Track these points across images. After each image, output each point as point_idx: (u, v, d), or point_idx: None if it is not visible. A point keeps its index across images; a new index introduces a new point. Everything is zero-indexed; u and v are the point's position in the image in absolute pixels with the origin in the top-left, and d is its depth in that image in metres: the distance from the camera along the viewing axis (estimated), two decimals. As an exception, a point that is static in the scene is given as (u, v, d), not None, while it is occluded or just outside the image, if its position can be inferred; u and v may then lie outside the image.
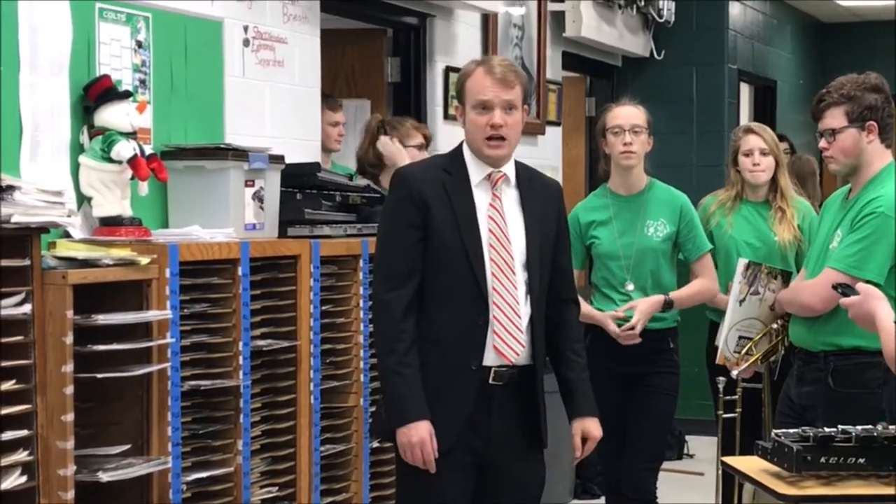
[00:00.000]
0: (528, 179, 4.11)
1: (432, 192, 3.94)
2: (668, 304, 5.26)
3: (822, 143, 4.58)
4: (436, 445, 3.88)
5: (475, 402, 3.95)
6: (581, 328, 4.34)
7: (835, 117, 4.54)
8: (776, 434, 3.73)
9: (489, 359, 3.94)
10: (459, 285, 3.92)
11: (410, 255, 3.92)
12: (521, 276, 3.98)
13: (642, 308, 5.20)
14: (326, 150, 6.04)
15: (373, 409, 4.87)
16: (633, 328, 5.18)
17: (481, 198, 3.99)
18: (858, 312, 3.67)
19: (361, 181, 5.39)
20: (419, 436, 3.86)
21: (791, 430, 3.74)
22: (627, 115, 5.31)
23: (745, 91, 11.11)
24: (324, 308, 4.79)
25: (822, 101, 4.57)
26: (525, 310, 3.98)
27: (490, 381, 3.95)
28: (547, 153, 8.24)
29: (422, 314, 3.94)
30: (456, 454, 3.95)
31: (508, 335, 3.93)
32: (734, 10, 10.08)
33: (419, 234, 3.92)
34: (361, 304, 4.96)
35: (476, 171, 4.01)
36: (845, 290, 3.74)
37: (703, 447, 7.84)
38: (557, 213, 4.16)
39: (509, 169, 4.05)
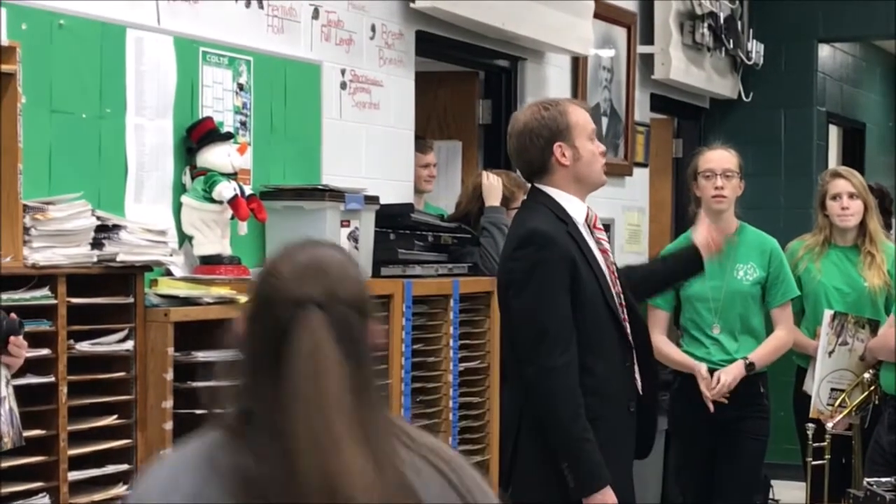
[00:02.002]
0: None
1: (572, 247, 3.89)
2: (749, 367, 5.22)
3: None
4: None
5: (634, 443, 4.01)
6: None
7: None
8: (868, 483, 3.73)
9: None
10: (608, 334, 3.92)
11: (569, 316, 3.84)
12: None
13: (725, 380, 5.17)
14: (418, 191, 6.10)
15: (463, 447, 4.89)
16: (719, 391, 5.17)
17: (590, 240, 3.98)
18: None
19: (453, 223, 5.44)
20: (614, 500, 3.81)
21: (883, 479, 3.73)
22: (720, 158, 5.32)
23: (833, 133, 11.05)
24: (414, 347, 4.85)
25: None
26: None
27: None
28: (634, 194, 8.26)
29: (582, 370, 3.86)
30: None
31: (639, 369, 4.00)
32: (823, 52, 10.04)
33: (570, 297, 3.86)
34: (451, 343, 5.01)
35: (577, 214, 3.97)
36: None
37: (788, 492, 7.77)
38: None
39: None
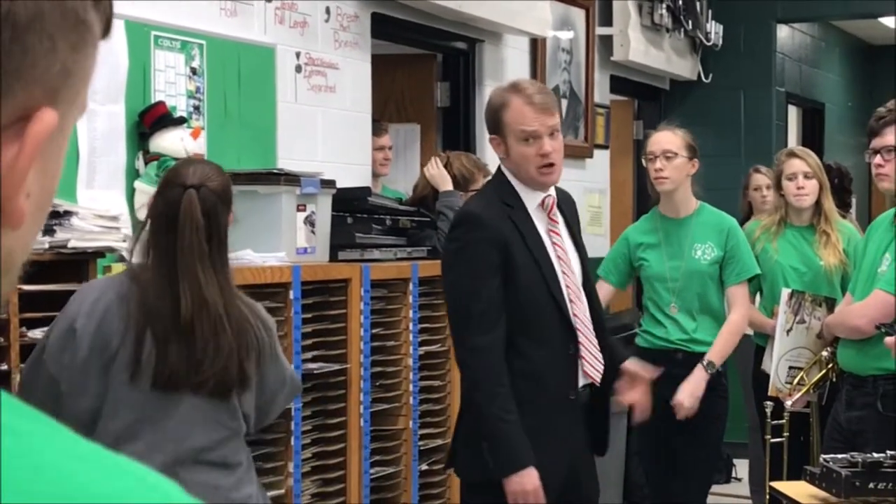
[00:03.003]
0: (560, 196, 4.11)
1: (507, 230, 3.90)
2: (710, 366, 5.22)
3: (878, 160, 4.56)
4: (541, 494, 3.84)
5: (574, 430, 3.98)
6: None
7: (895, 135, 4.53)
8: (825, 459, 3.73)
9: (580, 381, 3.98)
10: (547, 318, 3.92)
11: (497, 297, 3.86)
12: (583, 296, 4.03)
13: (689, 390, 5.15)
14: (374, 175, 6.08)
15: (423, 430, 4.89)
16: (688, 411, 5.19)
17: (541, 226, 3.99)
18: None
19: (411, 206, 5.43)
20: (533, 483, 3.81)
21: (840, 456, 3.73)
22: (660, 140, 5.32)
23: (793, 114, 11.09)
24: (374, 331, 4.83)
25: (882, 118, 4.56)
26: (594, 328, 4.03)
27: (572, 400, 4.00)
28: (595, 176, 8.27)
29: (512, 353, 3.90)
30: (548, 483, 3.95)
31: (592, 356, 3.97)
32: (782, 33, 10.06)
33: (499, 276, 3.87)
34: (411, 327, 4.99)
35: (530, 199, 3.99)
36: (888, 329, 3.74)
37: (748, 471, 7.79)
38: (578, 221, 4.22)
39: (553, 191, 4.07)
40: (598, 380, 3.99)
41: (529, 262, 3.90)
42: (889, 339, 3.74)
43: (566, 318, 3.93)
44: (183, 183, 3.15)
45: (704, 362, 5.20)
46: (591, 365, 3.97)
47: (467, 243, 3.91)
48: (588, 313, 4.02)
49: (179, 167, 3.27)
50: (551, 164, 3.94)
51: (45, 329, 3.60)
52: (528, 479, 3.83)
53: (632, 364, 4.10)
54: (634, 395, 4.07)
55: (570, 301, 3.95)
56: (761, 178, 7.17)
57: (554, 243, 3.99)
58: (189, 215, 3.11)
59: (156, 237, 3.18)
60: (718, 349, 5.25)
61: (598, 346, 4.00)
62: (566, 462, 3.96)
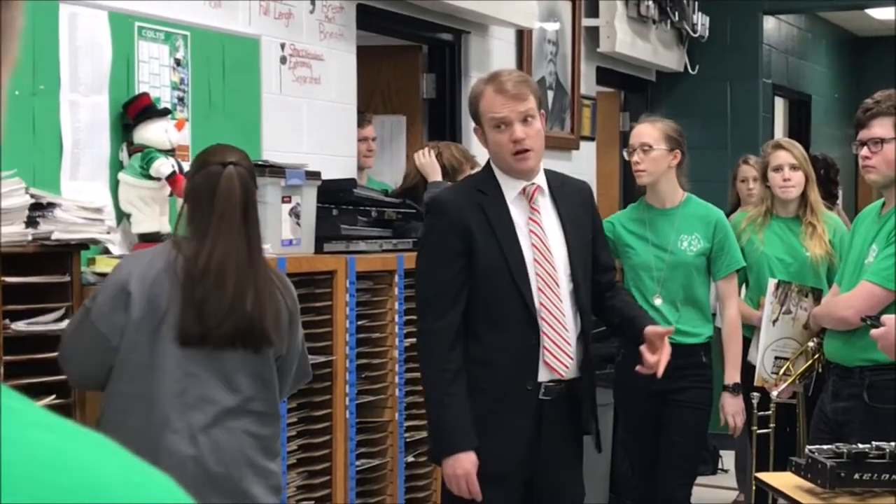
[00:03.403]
0: (560, 186, 4.10)
1: (472, 217, 3.93)
2: (737, 389, 5.29)
3: (865, 152, 4.56)
4: (474, 480, 3.88)
5: (531, 421, 3.96)
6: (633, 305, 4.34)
7: (883, 127, 4.52)
8: (810, 450, 3.73)
9: (541, 375, 3.95)
10: (508, 306, 3.92)
11: (454, 283, 3.90)
12: (566, 288, 3.99)
13: (735, 421, 5.32)
14: (359, 167, 6.06)
15: (409, 422, 4.88)
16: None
17: (519, 214, 3.99)
18: (886, 344, 3.69)
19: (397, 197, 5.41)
20: (463, 468, 3.86)
21: (825, 447, 3.74)
22: (638, 133, 5.31)
23: (779, 105, 11.10)
24: (359, 323, 4.82)
25: (869, 110, 4.56)
26: (572, 322, 4.00)
27: (540, 397, 3.97)
28: (581, 168, 8.25)
29: (471, 338, 3.93)
30: (510, 476, 3.96)
31: (558, 349, 3.94)
32: (768, 24, 10.07)
33: (462, 262, 3.91)
34: (397, 319, 4.98)
35: (510, 187, 4.01)
36: (873, 321, 3.75)
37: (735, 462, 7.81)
38: (592, 215, 4.19)
39: (541, 179, 4.05)
40: (564, 374, 3.96)
41: (494, 249, 3.91)
42: (875, 331, 3.74)
43: (528, 307, 3.92)
44: (222, 161, 3.51)
45: (730, 386, 5.25)
46: (557, 358, 3.94)
47: (430, 229, 4.02)
48: (567, 305, 3.99)
49: (215, 149, 3.62)
50: (525, 150, 3.94)
51: (29, 321, 3.60)
52: (458, 464, 3.87)
53: (651, 328, 4.07)
54: (655, 358, 4.04)
55: (540, 290, 3.94)
56: (748, 170, 7.19)
57: (531, 231, 3.97)
58: (228, 187, 3.48)
59: (196, 209, 3.52)
60: (732, 360, 5.28)
61: (570, 340, 3.96)
62: (518, 452, 3.94)
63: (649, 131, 5.27)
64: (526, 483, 4.04)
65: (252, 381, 3.60)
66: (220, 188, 3.48)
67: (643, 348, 4.00)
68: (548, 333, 3.93)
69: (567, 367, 3.96)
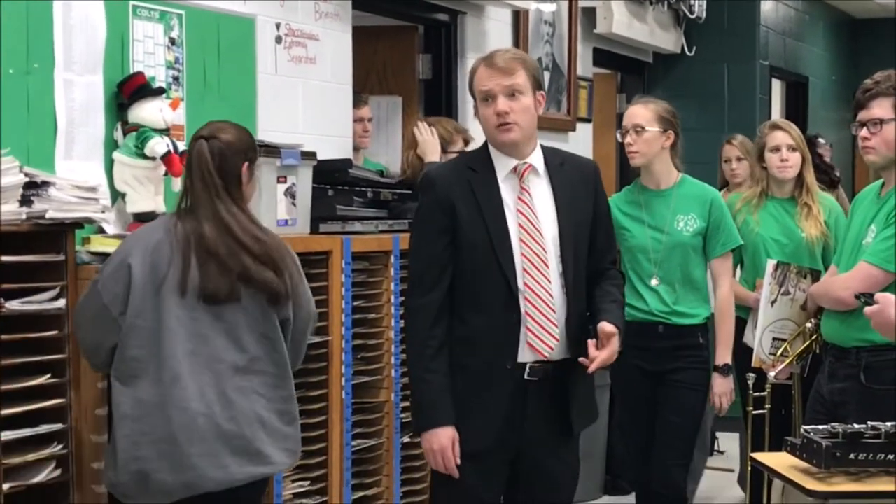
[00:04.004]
0: (560, 164, 4.05)
1: (459, 193, 3.92)
2: (728, 370, 5.28)
3: (864, 133, 4.53)
4: (458, 451, 3.89)
5: (511, 401, 3.95)
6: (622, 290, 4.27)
7: (882, 107, 4.50)
8: (805, 430, 3.73)
9: (524, 356, 3.93)
10: (490, 284, 3.90)
11: (439, 260, 3.90)
12: (555, 268, 3.96)
13: (723, 403, 5.30)
14: (355, 147, 6.05)
15: (404, 403, 4.88)
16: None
17: (509, 192, 3.96)
18: (879, 321, 3.68)
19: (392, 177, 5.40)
20: (440, 443, 3.88)
21: (820, 427, 3.73)
22: (631, 114, 5.30)
23: (776, 87, 11.07)
24: (355, 304, 4.82)
25: (869, 91, 4.54)
26: (560, 302, 3.96)
27: (525, 377, 3.95)
28: (578, 149, 8.20)
29: (455, 317, 3.93)
30: (490, 455, 3.96)
31: (542, 330, 3.91)
32: (766, 6, 10.05)
33: (447, 238, 3.90)
34: (392, 299, 4.98)
35: (502, 165, 3.98)
36: (867, 299, 3.74)
37: (734, 444, 7.82)
38: (594, 194, 4.09)
39: (536, 158, 4.01)
40: (548, 356, 3.92)
41: (479, 226, 3.90)
42: (868, 309, 3.73)
43: (511, 286, 3.90)
44: (196, 136, 3.77)
45: (720, 366, 5.24)
46: (540, 339, 3.90)
47: (420, 206, 4.03)
48: (556, 286, 3.94)
49: (204, 126, 3.87)
50: (507, 123, 3.92)
51: (24, 300, 3.60)
52: (435, 439, 3.89)
53: (603, 324, 3.93)
54: (595, 354, 3.89)
55: (525, 271, 3.90)
56: (731, 150, 7.26)
57: (519, 211, 3.95)
58: (198, 159, 3.73)
59: (185, 182, 3.79)
60: (723, 341, 5.27)
61: (556, 321, 3.92)
62: (497, 429, 3.93)
63: (642, 112, 5.26)
64: (511, 465, 4.02)
65: (258, 340, 3.76)
66: (193, 160, 3.75)
67: (589, 341, 3.94)
68: (531, 314, 3.90)
69: (552, 349, 3.92)
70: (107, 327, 3.65)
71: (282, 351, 3.82)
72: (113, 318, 3.63)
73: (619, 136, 5.35)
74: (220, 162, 3.75)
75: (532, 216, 3.94)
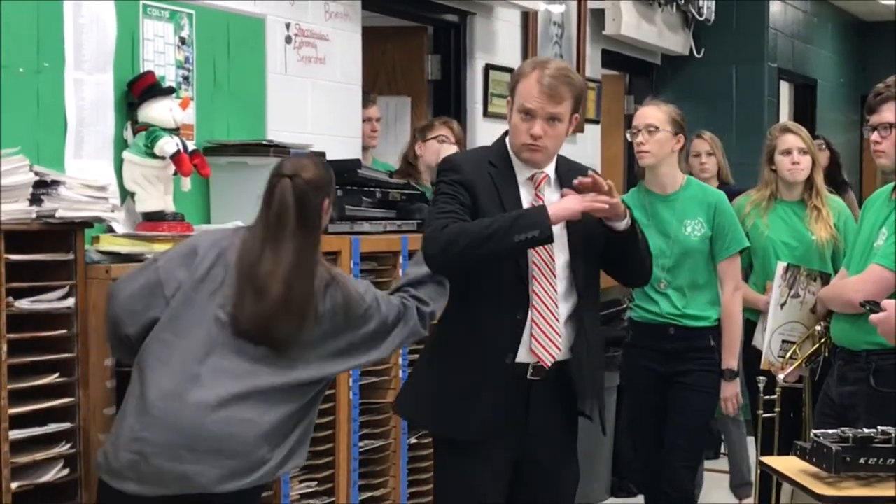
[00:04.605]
0: (568, 173, 4.06)
1: (481, 182, 3.94)
2: (731, 375, 5.27)
3: (875, 137, 4.53)
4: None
5: (513, 396, 3.95)
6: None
7: (893, 112, 4.50)
8: (815, 434, 3.72)
9: (525, 356, 3.94)
10: (501, 277, 3.91)
11: (461, 217, 3.87)
12: (563, 277, 3.98)
13: (732, 406, 5.34)
14: (363, 147, 6.05)
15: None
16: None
17: (525, 196, 3.99)
18: (887, 328, 3.67)
19: (399, 180, 5.41)
20: (568, 200, 3.85)
21: (830, 431, 3.72)
22: (643, 114, 5.30)
23: (785, 90, 11.06)
24: (363, 304, 4.80)
25: (881, 95, 4.53)
26: (564, 310, 3.97)
27: (528, 377, 3.95)
28: (586, 151, 8.23)
29: (464, 305, 3.94)
30: (493, 450, 3.96)
31: (545, 338, 3.92)
32: (775, 8, 10.04)
33: (466, 213, 3.89)
34: (401, 300, 4.96)
35: (521, 169, 4.01)
36: (873, 307, 3.73)
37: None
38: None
39: (551, 168, 4.05)
40: (548, 363, 3.94)
41: (499, 211, 3.89)
42: (874, 316, 3.72)
43: (524, 282, 3.91)
44: (280, 173, 3.69)
45: (726, 371, 5.23)
46: (543, 346, 3.93)
47: (440, 183, 3.99)
48: (560, 292, 3.96)
49: (283, 161, 3.80)
50: (536, 147, 3.94)
51: (33, 299, 3.59)
52: (556, 208, 3.83)
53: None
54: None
55: (534, 277, 3.92)
56: (701, 144, 7.22)
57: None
58: (281, 199, 3.64)
59: (260, 212, 3.69)
60: (730, 345, 5.26)
61: (559, 331, 3.94)
62: (498, 420, 3.93)
63: (655, 113, 5.26)
64: (515, 465, 4.02)
65: (263, 376, 3.61)
66: (275, 198, 3.66)
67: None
68: (537, 321, 3.91)
69: (553, 357, 3.94)
70: (153, 301, 3.61)
71: (290, 395, 3.67)
72: (164, 294, 3.62)
73: (629, 135, 5.34)
74: (302, 202, 3.66)
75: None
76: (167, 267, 3.64)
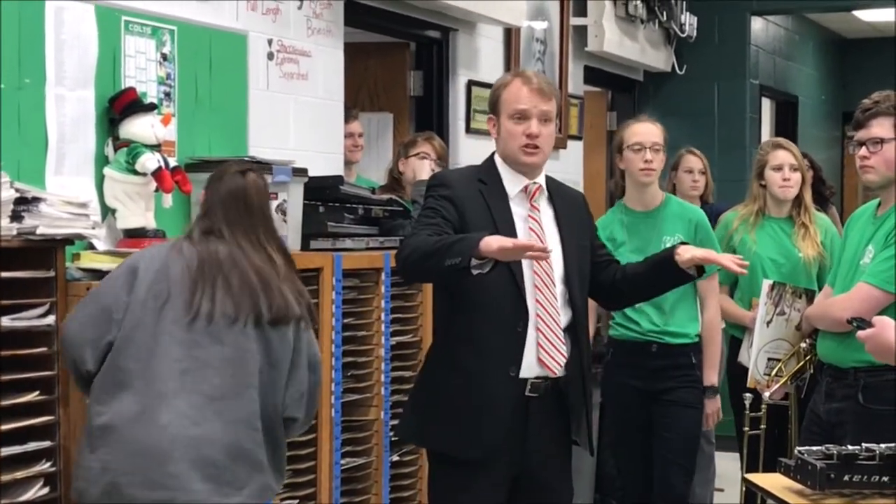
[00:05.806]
0: (556, 190, 4.13)
1: (470, 198, 3.95)
2: (713, 392, 5.31)
3: (863, 152, 4.53)
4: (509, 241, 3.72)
5: (513, 411, 3.95)
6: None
7: (882, 127, 4.49)
8: (800, 451, 3.71)
9: (528, 370, 3.94)
10: (498, 290, 3.90)
11: (441, 230, 3.84)
12: (560, 289, 3.99)
13: (708, 415, 5.37)
14: (347, 162, 6.05)
15: (394, 421, 4.86)
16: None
17: (518, 211, 4.00)
18: (875, 345, 3.66)
19: (384, 195, 5.40)
20: (495, 241, 3.62)
21: (815, 448, 3.71)
22: (648, 132, 5.29)
23: (766, 106, 11.09)
24: (345, 321, 4.79)
25: (868, 110, 4.53)
26: (564, 322, 3.99)
27: (527, 394, 3.95)
28: (568, 167, 8.24)
29: (462, 319, 3.94)
30: (495, 467, 3.95)
31: (553, 347, 3.94)
32: (756, 25, 10.06)
33: (450, 227, 3.87)
34: (383, 317, 4.95)
35: (512, 184, 4.02)
36: (860, 323, 3.72)
37: (727, 463, 7.79)
38: (589, 222, 4.22)
39: (543, 180, 4.07)
40: (557, 372, 3.96)
41: (489, 226, 3.88)
42: (861, 333, 3.72)
43: (520, 292, 3.91)
44: (238, 169, 3.80)
45: (707, 388, 5.23)
46: (549, 354, 3.94)
47: (429, 197, 4.00)
48: (559, 305, 3.97)
49: (230, 163, 3.92)
50: (536, 147, 3.97)
51: (13, 316, 3.56)
52: (486, 244, 3.62)
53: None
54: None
55: (536, 287, 3.93)
56: (695, 162, 7.15)
57: (530, 228, 3.97)
58: (256, 190, 3.77)
59: (223, 211, 3.73)
60: (710, 363, 5.27)
61: (562, 338, 3.96)
62: (498, 437, 3.92)
63: (656, 131, 5.30)
64: (514, 480, 4.02)
65: (259, 370, 3.64)
66: (248, 192, 3.75)
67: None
68: (543, 330, 3.94)
69: (560, 365, 3.97)
70: (105, 327, 3.58)
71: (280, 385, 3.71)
72: (114, 318, 3.58)
73: (630, 151, 5.27)
74: (262, 199, 3.80)
75: (541, 233, 3.97)
76: (110, 291, 3.61)
